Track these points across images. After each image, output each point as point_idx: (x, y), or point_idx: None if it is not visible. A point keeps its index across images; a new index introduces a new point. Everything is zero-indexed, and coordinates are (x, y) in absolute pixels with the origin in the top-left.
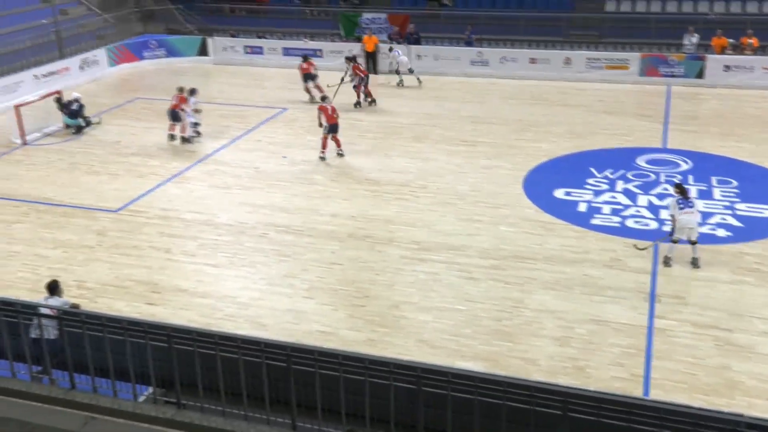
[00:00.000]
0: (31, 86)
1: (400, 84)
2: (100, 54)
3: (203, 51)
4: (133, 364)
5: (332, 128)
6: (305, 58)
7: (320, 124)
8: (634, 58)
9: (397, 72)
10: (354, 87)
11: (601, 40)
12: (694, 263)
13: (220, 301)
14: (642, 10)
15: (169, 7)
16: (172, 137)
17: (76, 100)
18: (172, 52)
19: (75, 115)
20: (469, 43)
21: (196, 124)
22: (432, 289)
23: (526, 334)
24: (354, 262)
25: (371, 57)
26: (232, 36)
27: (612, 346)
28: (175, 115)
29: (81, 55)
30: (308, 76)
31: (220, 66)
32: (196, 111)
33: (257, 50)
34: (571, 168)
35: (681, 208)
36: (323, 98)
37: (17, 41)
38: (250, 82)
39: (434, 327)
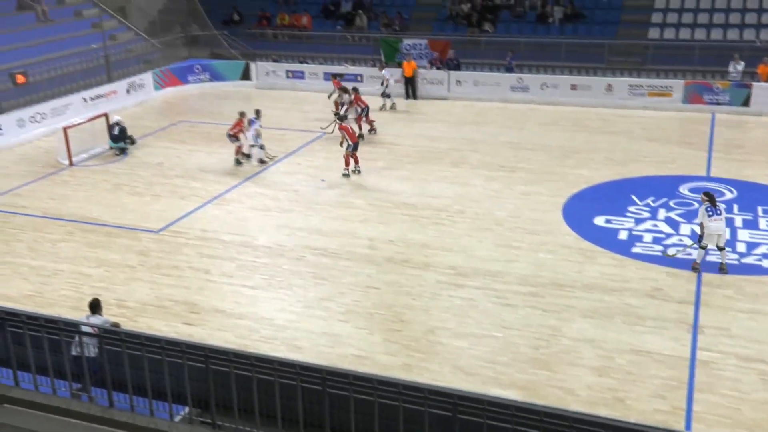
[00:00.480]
0: (80, 109)
1: (393, 107)
2: (147, 78)
3: (246, 75)
4: (170, 384)
5: (355, 146)
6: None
7: (341, 143)
8: (677, 85)
9: (387, 95)
10: (355, 119)
11: (644, 66)
12: (722, 269)
13: (256, 323)
14: (686, 37)
15: (214, 33)
16: (238, 161)
17: (117, 124)
18: (215, 77)
19: (117, 139)
20: (509, 69)
21: (262, 147)
22: (468, 315)
23: (564, 363)
24: (390, 286)
25: (410, 82)
26: (275, 61)
27: (653, 378)
28: (232, 139)
29: (128, 78)
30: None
31: (263, 90)
32: (258, 135)
33: (299, 75)
34: (612, 195)
35: (710, 216)
36: (343, 117)
37: (68, 65)
38: (291, 106)
39: (470, 353)
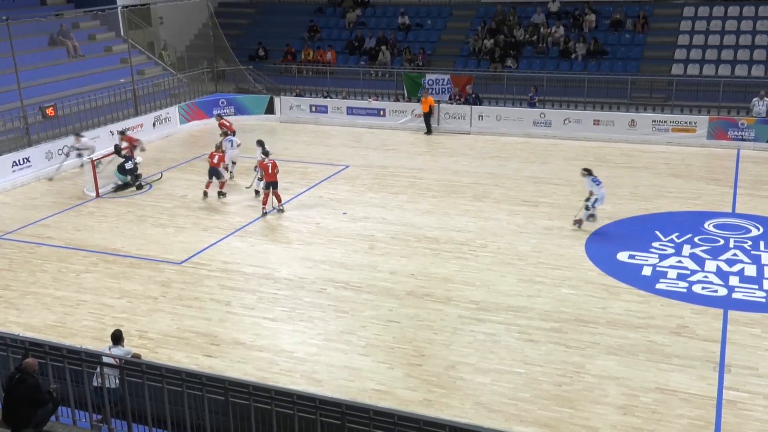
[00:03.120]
0: (107, 142)
1: (231, 177)
2: (173, 112)
3: (270, 109)
4: (190, 416)
5: (272, 185)
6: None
7: (260, 178)
8: (702, 121)
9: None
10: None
11: (667, 102)
12: (578, 222)
13: (276, 355)
14: (710, 73)
15: (239, 68)
16: (205, 194)
17: (130, 159)
18: (240, 110)
19: (124, 171)
20: (531, 105)
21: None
22: (490, 351)
23: (587, 401)
24: (412, 320)
25: (426, 117)
26: (298, 95)
27: (679, 417)
28: (213, 173)
29: (155, 112)
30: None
31: (286, 124)
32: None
33: (322, 109)
34: (636, 231)
35: (597, 184)
36: (266, 153)
37: (97, 98)
38: (313, 140)
39: (492, 389)
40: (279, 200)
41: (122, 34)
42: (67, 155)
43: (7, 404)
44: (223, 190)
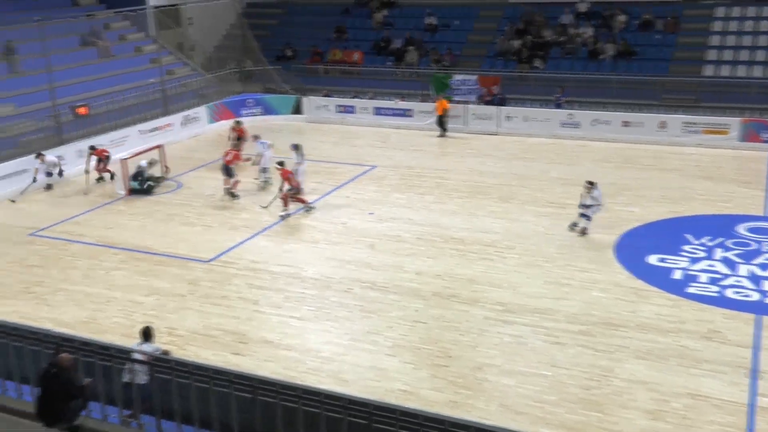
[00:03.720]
0: (137, 141)
1: (267, 184)
2: (201, 111)
3: (298, 109)
4: (217, 414)
5: (296, 190)
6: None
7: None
8: (734, 122)
9: (263, 169)
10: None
11: (698, 104)
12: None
13: (303, 354)
14: (742, 74)
15: (267, 68)
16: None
17: (138, 166)
18: (268, 110)
19: (135, 178)
20: (558, 106)
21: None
22: (516, 353)
23: (615, 405)
24: (438, 321)
25: (440, 120)
26: (326, 95)
27: (710, 424)
28: (226, 170)
29: (183, 112)
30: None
31: (313, 124)
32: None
33: (349, 109)
34: (666, 233)
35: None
36: (281, 162)
37: (128, 98)
38: (340, 140)
39: (518, 392)
40: (303, 201)
41: (152, 34)
42: (35, 179)
43: (42, 399)
44: (235, 191)
